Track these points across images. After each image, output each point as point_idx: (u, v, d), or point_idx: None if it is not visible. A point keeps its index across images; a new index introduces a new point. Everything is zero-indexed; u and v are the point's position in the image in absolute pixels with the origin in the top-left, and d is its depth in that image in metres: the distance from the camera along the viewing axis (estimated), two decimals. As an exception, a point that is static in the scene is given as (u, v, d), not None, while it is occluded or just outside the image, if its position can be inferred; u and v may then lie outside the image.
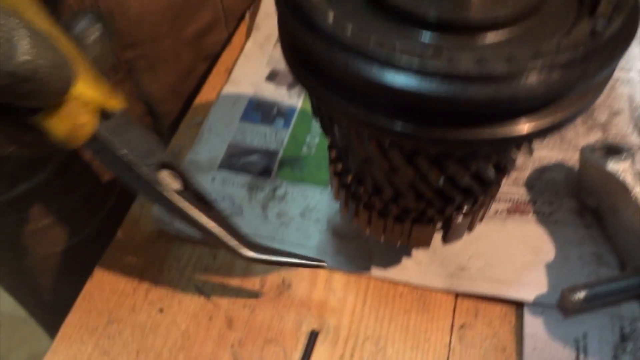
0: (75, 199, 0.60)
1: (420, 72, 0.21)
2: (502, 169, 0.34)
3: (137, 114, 0.62)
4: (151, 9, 0.55)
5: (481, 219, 0.40)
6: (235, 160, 0.53)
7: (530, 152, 0.31)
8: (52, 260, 0.63)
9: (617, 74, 0.56)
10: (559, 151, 0.51)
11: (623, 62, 0.57)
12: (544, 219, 0.46)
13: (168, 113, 0.65)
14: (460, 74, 0.21)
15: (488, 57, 0.21)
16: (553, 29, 0.26)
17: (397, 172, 0.31)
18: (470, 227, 0.40)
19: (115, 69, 0.56)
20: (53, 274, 0.66)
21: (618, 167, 0.42)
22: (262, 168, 0.52)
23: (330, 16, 0.23)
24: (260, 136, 0.55)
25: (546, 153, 0.51)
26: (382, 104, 0.24)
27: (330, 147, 0.38)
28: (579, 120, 0.53)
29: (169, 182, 0.36)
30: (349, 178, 0.37)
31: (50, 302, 0.69)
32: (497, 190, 0.38)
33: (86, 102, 0.30)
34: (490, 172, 0.32)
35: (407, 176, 0.30)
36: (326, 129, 0.33)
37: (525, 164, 0.51)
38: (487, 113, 0.23)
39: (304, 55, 0.26)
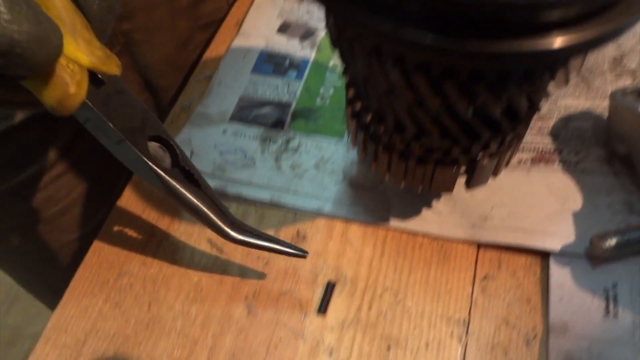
0: (85, 182, 0.57)
1: None
2: (533, 104, 0.32)
3: (135, 89, 0.60)
4: None
5: (507, 163, 0.38)
6: (246, 112, 0.51)
7: (567, 80, 0.29)
8: (68, 250, 0.60)
9: (647, 20, 0.53)
10: (585, 99, 0.48)
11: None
12: (570, 167, 0.44)
13: (167, 87, 0.62)
14: None
15: None
16: None
17: (421, 104, 0.29)
18: (496, 171, 0.38)
19: (112, 42, 0.54)
20: (70, 264, 0.61)
21: (652, 109, 0.39)
22: (274, 120, 0.50)
23: None
24: (272, 88, 0.53)
25: (572, 101, 0.49)
26: (413, 13, 0.22)
27: (348, 86, 0.36)
28: (607, 67, 0.50)
29: (158, 156, 0.34)
30: (368, 117, 0.35)
31: None
32: (525, 130, 0.36)
33: (76, 71, 0.27)
34: (522, 103, 0.29)
35: (432, 107, 0.28)
36: (346, 59, 0.31)
37: (550, 113, 0.48)
38: (524, 21, 0.21)
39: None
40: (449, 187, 0.37)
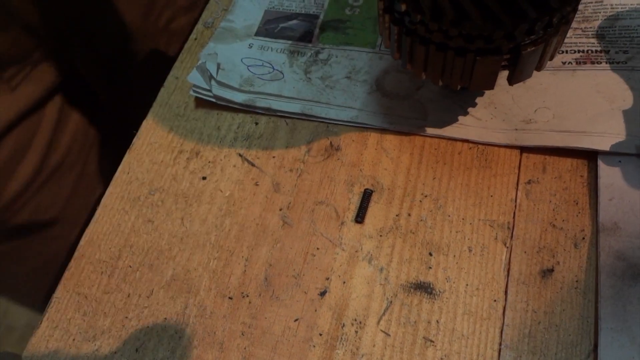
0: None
1: None
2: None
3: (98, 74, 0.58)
4: None
5: (552, 56, 0.36)
6: (273, 26, 0.49)
7: None
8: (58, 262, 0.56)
9: None
10: (634, -4, 0.45)
11: None
12: (619, 67, 0.42)
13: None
14: None
15: None
16: None
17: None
18: (541, 63, 0.35)
19: None
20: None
21: None
22: (302, 33, 0.48)
23: None
24: (299, 0, 0.50)
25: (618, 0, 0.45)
26: None
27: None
28: (657, -36, 0.47)
29: None
30: (403, 7, 0.33)
31: None
32: (573, 17, 0.33)
33: None
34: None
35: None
36: None
37: (595, 14, 0.45)
38: None
39: None
40: (491, 83, 0.35)
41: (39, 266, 0.58)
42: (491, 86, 0.36)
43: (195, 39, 0.51)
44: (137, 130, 0.46)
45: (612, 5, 0.45)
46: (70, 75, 0.53)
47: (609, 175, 0.38)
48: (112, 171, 0.45)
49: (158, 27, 0.61)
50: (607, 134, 0.38)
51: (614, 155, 0.38)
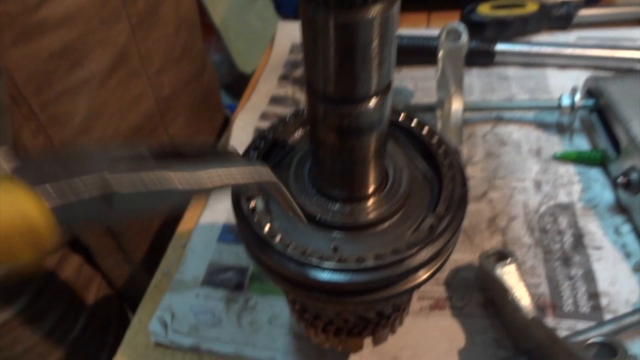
0: (48, 323, 0.66)
1: (322, 268, 0.35)
2: (397, 308, 0.47)
3: (108, 250, 0.75)
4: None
5: (394, 331, 0.52)
6: (214, 277, 0.66)
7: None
8: None
9: (514, 184, 0.71)
10: (469, 254, 0.65)
11: (519, 174, 0.72)
12: (457, 312, 0.59)
13: (136, 249, 0.78)
14: (346, 268, 0.35)
15: (367, 255, 0.35)
16: (410, 222, 0.40)
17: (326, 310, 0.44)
18: (392, 332, 0.52)
19: None
20: None
21: (502, 271, 0.55)
22: (236, 283, 0.65)
23: (266, 227, 0.37)
24: (234, 255, 0.68)
25: (460, 255, 0.65)
26: (306, 285, 0.37)
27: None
28: (484, 226, 0.67)
29: None
30: (301, 310, 0.50)
31: None
32: (408, 306, 0.51)
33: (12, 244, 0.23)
34: (388, 310, 0.45)
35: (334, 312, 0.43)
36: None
37: (444, 267, 0.64)
38: (370, 287, 0.37)
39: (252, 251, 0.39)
40: (359, 348, 0.51)
41: None
42: (360, 349, 0.52)
43: (155, 286, 0.67)
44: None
45: (454, 259, 0.64)
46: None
47: (450, 401, 0.53)
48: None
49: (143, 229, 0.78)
50: (448, 369, 0.55)
51: (453, 385, 0.54)
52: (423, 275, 0.38)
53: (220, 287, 0.65)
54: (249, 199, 0.39)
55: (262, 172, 0.31)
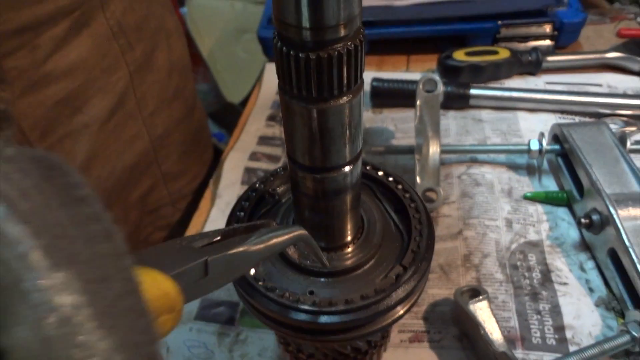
0: None
1: (298, 309, 0.40)
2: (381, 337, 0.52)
3: None
4: (101, 190, 0.75)
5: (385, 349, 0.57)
6: (207, 311, 0.69)
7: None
8: None
9: (487, 222, 0.77)
10: (446, 289, 0.70)
11: (492, 213, 0.78)
12: (435, 345, 0.64)
13: None
14: (319, 310, 0.40)
15: (338, 299, 0.40)
16: (380, 270, 0.45)
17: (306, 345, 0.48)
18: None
19: None
20: None
21: (475, 307, 0.60)
22: (227, 317, 0.69)
23: (252, 271, 0.41)
24: (225, 290, 0.71)
25: (437, 290, 0.70)
26: (285, 324, 0.42)
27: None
28: (459, 262, 0.72)
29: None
30: (285, 343, 0.54)
31: None
32: (385, 342, 0.56)
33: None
34: (363, 346, 0.49)
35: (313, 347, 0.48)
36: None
37: (422, 301, 0.69)
38: (340, 328, 0.41)
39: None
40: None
41: None
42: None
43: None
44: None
45: (433, 294, 0.69)
46: None
47: None
48: None
49: (139, 240, 0.82)
50: (426, 399, 0.59)
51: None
52: (390, 318, 0.43)
53: (213, 322, 0.68)
54: None
55: (300, 232, 0.37)
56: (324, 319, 0.39)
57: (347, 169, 0.38)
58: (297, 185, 0.40)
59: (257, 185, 0.49)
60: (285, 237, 0.35)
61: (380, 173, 0.50)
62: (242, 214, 0.46)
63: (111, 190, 0.78)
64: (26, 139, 0.65)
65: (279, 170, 0.50)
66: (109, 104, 0.75)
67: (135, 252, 0.29)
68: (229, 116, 1.73)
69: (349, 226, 0.43)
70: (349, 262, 0.44)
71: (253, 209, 0.48)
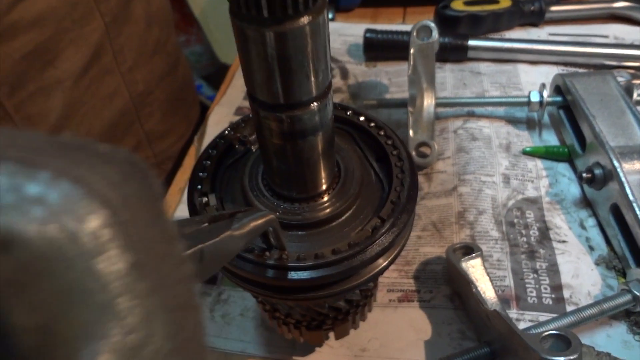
0: None
1: (263, 265, 0.36)
2: (364, 292, 0.49)
3: None
4: None
5: (356, 323, 0.54)
6: (187, 271, 0.66)
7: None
8: None
9: (484, 178, 0.73)
10: (438, 247, 0.66)
11: (489, 168, 0.74)
12: (425, 304, 0.61)
13: None
14: (286, 266, 0.36)
15: (307, 254, 0.36)
16: (357, 222, 0.41)
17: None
18: (355, 327, 0.54)
19: None
20: None
21: (468, 265, 0.57)
22: (210, 277, 0.66)
23: None
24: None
25: (429, 249, 0.66)
26: (252, 281, 0.38)
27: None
28: (453, 220, 0.69)
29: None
30: (262, 302, 0.51)
31: None
32: (369, 302, 0.52)
33: None
34: (341, 305, 0.46)
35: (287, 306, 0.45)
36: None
37: (414, 259, 0.66)
38: (310, 285, 0.38)
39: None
40: (320, 341, 0.53)
41: None
42: (320, 344, 0.53)
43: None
44: None
45: (424, 252, 0.66)
46: None
47: (416, 390, 0.55)
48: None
49: None
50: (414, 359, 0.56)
51: (419, 376, 0.56)
52: (365, 274, 0.39)
53: (194, 282, 0.66)
54: (202, 195, 0.40)
55: (271, 217, 0.35)
56: (291, 275, 0.36)
57: (314, 106, 0.33)
58: (261, 129, 0.36)
59: (227, 132, 0.45)
60: (261, 220, 0.34)
61: (362, 118, 0.46)
62: (209, 162, 0.42)
63: None
64: None
65: (251, 116, 0.46)
66: (83, 58, 0.71)
67: None
68: (223, 78, 1.69)
69: (322, 174, 0.39)
70: (322, 214, 0.40)
71: (221, 158, 0.44)
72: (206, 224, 0.32)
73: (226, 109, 0.86)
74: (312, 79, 0.32)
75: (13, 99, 0.65)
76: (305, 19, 0.29)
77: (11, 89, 0.64)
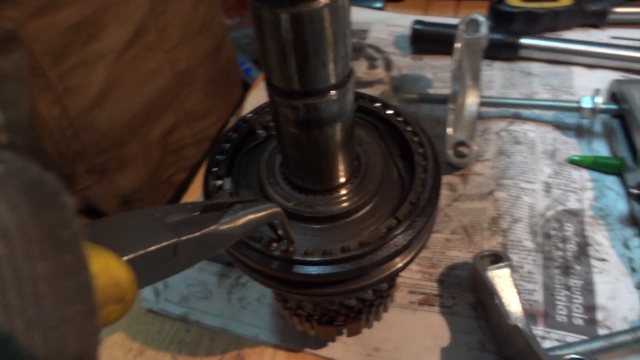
0: None
1: (270, 256, 0.35)
2: (378, 292, 0.47)
3: (113, 206, 0.79)
4: (117, 123, 0.73)
5: (370, 325, 0.52)
6: (210, 252, 0.67)
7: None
8: None
9: (523, 185, 0.69)
10: (467, 252, 0.63)
11: (530, 175, 0.70)
12: (446, 310, 0.59)
13: (143, 199, 0.81)
14: (292, 259, 0.35)
15: (315, 249, 0.35)
16: (372, 220, 0.39)
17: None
18: (368, 326, 0.52)
19: (91, 171, 0.73)
20: None
21: (493, 274, 0.54)
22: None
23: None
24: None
25: (457, 253, 0.64)
26: (261, 272, 0.37)
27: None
28: (486, 225, 0.65)
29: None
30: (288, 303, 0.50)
31: None
32: (385, 302, 0.51)
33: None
34: (353, 303, 0.45)
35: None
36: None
37: (439, 262, 0.63)
38: (314, 281, 0.36)
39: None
40: (331, 337, 0.51)
41: None
42: (333, 339, 0.52)
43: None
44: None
45: (451, 256, 0.63)
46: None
47: (426, 398, 0.53)
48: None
49: (161, 180, 0.82)
50: (426, 366, 0.54)
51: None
52: (374, 276, 0.37)
53: (215, 261, 0.66)
54: (218, 177, 0.39)
55: (275, 210, 0.34)
56: (297, 269, 0.35)
57: (330, 95, 0.32)
58: (277, 116, 0.35)
59: (249, 116, 0.44)
60: (261, 214, 0.32)
61: (390, 111, 0.44)
62: (228, 145, 0.42)
63: (128, 124, 0.75)
64: (38, 64, 0.63)
65: (266, 105, 0.45)
66: (127, 33, 0.71)
67: (104, 220, 0.28)
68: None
69: (338, 167, 0.38)
70: (336, 208, 0.38)
71: (241, 142, 0.43)
72: (197, 213, 0.31)
73: (263, 92, 0.85)
74: (330, 66, 0.30)
75: (56, 69, 0.66)
76: (322, 0, 0.27)
77: (55, 59, 0.66)
